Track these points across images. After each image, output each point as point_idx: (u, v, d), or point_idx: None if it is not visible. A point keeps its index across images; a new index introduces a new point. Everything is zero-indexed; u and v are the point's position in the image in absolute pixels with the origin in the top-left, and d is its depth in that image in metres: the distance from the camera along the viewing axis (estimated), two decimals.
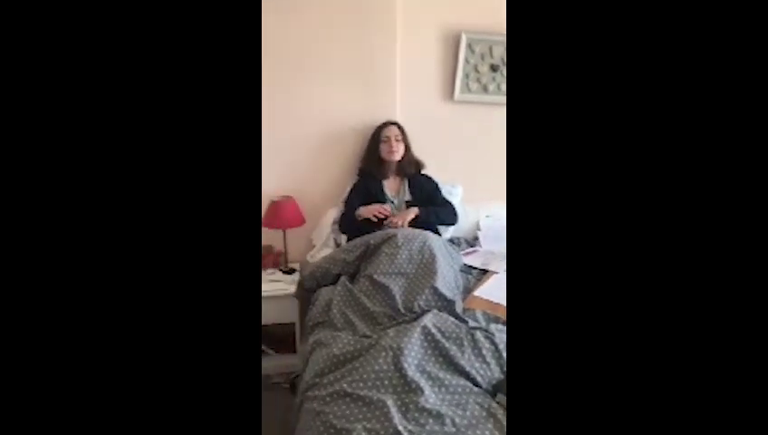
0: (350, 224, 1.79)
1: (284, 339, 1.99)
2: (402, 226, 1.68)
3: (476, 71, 2.01)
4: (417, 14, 1.89)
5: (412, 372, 1.03)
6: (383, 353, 1.06)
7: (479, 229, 2.02)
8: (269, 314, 1.80)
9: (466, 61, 1.98)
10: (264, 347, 1.93)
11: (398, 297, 1.33)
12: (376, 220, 1.71)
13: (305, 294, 1.62)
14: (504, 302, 1.40)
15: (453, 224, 1.90)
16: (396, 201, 1.85)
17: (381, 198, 1.82)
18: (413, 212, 1.75)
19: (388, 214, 1.72)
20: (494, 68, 2.02)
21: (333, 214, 1.97)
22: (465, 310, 1.35)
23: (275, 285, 1.83)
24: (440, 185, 1.96)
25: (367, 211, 1.74)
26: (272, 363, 1.91)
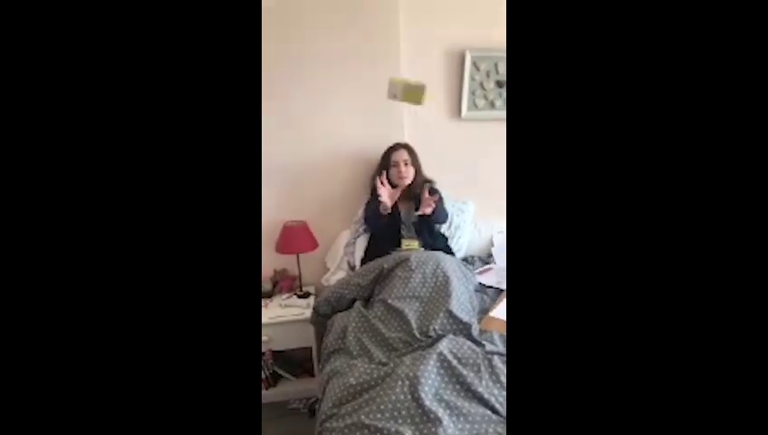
0: (375, 218, 1.79)
1: (302, 364, 2.00)
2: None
3: (482, 87, 2.02)
4: (420, 34, 1.90)
5: (429, 401, 1.02)
6: (399, 383, 1.05)
7: (492, 245, 2.01)
8: (286, 339, 1.82)
9: (472, 78, 1.99)
10: (282, 372, 1.94)
11: (413, 322, 1.32)
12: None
13: (320, 319, 1.62)
14: None
15: (444, 222, 1.90)
16: (407, 222, 1.85)
17: (395, 217, 1.82)
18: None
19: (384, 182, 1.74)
20: (500, 84, 2.02)
21: (346, 237, 1.98)
22: (481, 332, 1.34)
23: (291, 310, 1.85)
24: (450, 202, 1.95)
25: (385, 199, 1.72)
26: (290, 388, 1.91)
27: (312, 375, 1.94)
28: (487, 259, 1.95)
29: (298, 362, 2.00)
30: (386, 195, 1.72)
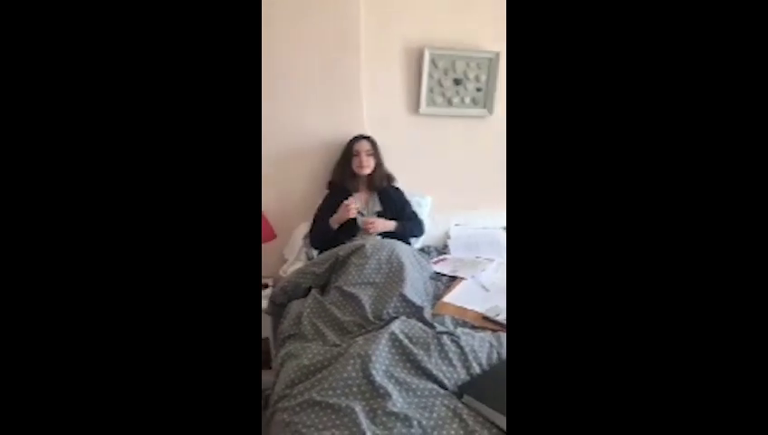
0: (322, 236, 1.81)
1: None
2: (374, 227, 1.74)
3: (440, 85, 2.08)
4: (380, 31, 1.94)
5: (380, 377, 1.04)
6: (351, 361, 1.07)
7: (449, 238, 2.07)
8: None
9: (430, 75, 2.05)
10: None
11: (367, 306, 1.35)
12: (352, 216, 1.75)
13: (277, 309, 1.62)
14: (469, 306, 1.44)
15: (419, 236, 1.96)
16: (365, 213, 1.88)
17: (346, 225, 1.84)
18: (390, 225, 1.80)
19: (354, 208, 1.75)
20: (457, 82, 2.09)
21: (305, 228, 1.98)
22: (434, 316, 1.38)
23: None
24: (410, 196, 2.01)
25: (338, 216, 1.76)
26: None
27: (269, 367, 1.92)
28: (443, 250, 2.01)
29: None
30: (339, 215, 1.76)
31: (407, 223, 1.88)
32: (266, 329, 1.81)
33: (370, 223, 1.76)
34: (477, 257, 1.84)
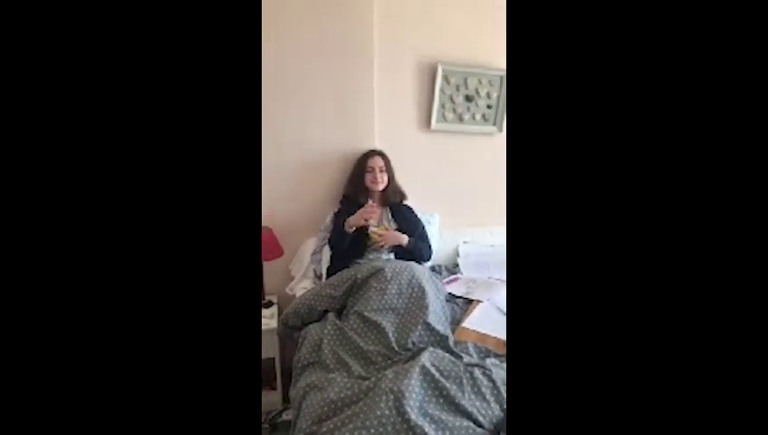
0: (338, 239, 1.75)
1: (263, 376, 1.91)
2: (385, 240, 1.71)
3: (452, 101, 2.06)
4: (394, 46, 1.91)
5: (415, 415, 1.01)
6: (384, 398, 1.03)
7: (458, 256, 2.05)
8: None
9: (442, 91, 2.03)
10: None
11: (390, 335, 1.31)
12: (365, 223, 1.71)
13: (289, 331, 1.56)
14: (491, 333, 1.42)
15: (426, 261, 1.90)
16: (377, 228, 1.84)
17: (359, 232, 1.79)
18: (403, 238, 1.75)
19: (375, 214, 1.71)
20: (468, 98, 2.08)
21: (312, 244, 1.93)
22: (456, 343, 1.35)
23: None
24: (417, 212, 1.97)
25: (356, 219, 1.70)
26: None
27: (273, 388, 1.87)
28: (453, 269, 1.99)
29: None
30: (357, 218, 1.71)
31: (418, 242, 1.84)
32: (273, 348, 1.75)
33: (381, 235, 1.72)
34: (489, 278, 1.83)
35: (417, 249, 1.82)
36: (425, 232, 1.90)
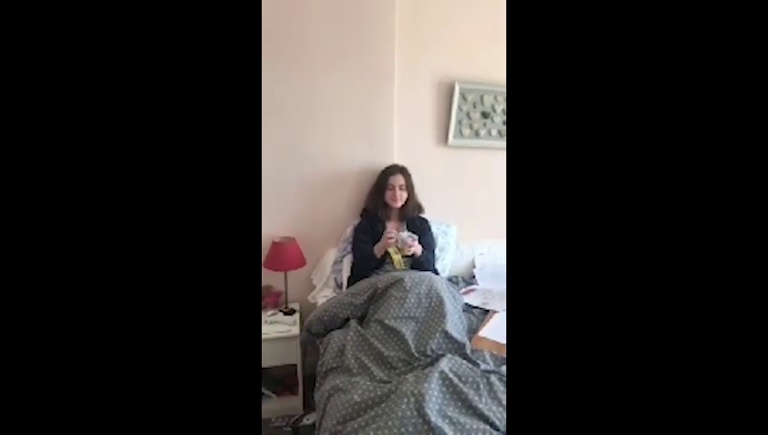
0: (366, 263, 1.83)
1: (283, 380, 1.98)
2: (398, 243, 1.78)
3: (469, 117, 2.14)
4: (414, 64, 2.00)
5: (435, 417, 1.06)
6: (405, 400, 1.09)
7: (474, 267, 2.10)
8: (270, 356, 1.79)
9: (459, 108, 2.11)
10: (264, 390, 1.91)
11: (410, 341, 1.37)
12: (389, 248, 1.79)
13: (311, 338, 1.64)
14: (505, 341, 1.47)
15: (429, 269, 1.93)
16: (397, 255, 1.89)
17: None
18: (418, 249, 1.81)
19: (394, 238, 1.79)
20: (485, 115, 2.15)
21: (333, 254, 2.01)
22: (472, 350, 1.41)
23: (276, 326, 1.84)
24: (435, 224, 2.04)
25: (381, 246, 1.80)
26: (271, 406, 1.89)
27: (294, 393, 1.93)
28: (470, 280, 2.04)
29: (278, 380, 1.98)
30: (382, 246, 1.80)
31: (428, 255, 1.90)
32: (294, 355, 1.82)
33: (409, 246, 1.78)
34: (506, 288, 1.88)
35: (426, 261, 1.87)
36: (429, 243, 1.94)
